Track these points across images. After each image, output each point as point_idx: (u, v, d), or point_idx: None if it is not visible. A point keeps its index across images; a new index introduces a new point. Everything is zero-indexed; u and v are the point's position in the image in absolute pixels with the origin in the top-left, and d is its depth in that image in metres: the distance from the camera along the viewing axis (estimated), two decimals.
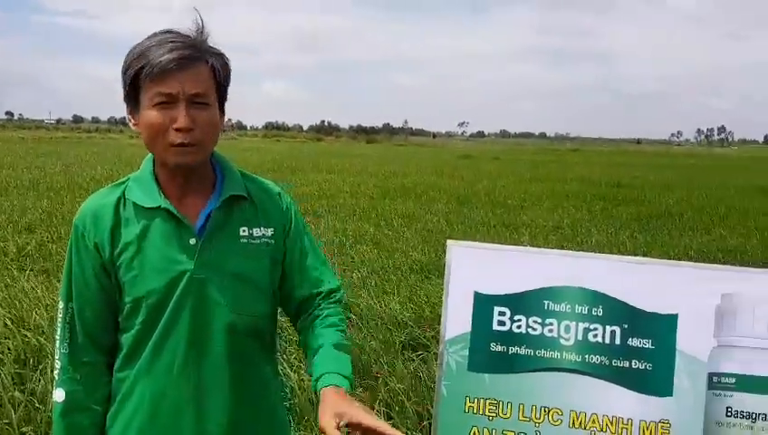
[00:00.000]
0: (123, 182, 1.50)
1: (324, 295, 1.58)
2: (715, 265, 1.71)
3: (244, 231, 1.49)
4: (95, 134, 65.37)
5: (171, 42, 1.36)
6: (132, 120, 1.43)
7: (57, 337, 1.49)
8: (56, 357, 1.49)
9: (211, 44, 1.43)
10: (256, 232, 1.50)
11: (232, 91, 1.50)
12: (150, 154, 1.48)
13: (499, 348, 1.60)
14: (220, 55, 1.44)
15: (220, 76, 1.43)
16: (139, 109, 1.40)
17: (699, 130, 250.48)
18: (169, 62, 1.33)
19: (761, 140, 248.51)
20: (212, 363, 1.45)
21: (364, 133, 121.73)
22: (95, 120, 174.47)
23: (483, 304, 1.63)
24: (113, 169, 16.91)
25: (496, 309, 1.62)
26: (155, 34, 1.40)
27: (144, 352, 1.45)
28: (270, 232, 1.52)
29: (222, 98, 1.46)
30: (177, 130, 1.36)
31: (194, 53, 1.37)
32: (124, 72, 1.39)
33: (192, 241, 1.43)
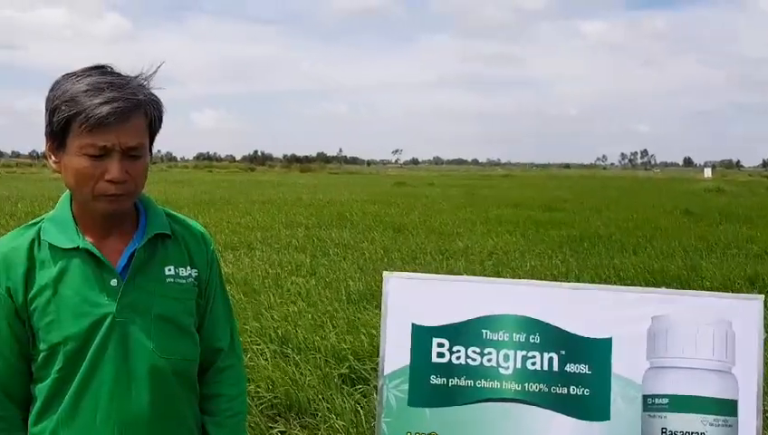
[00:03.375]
0: (36, 223, 1.42)
1: (225, 355, 1.56)
2: (645, 287, 1.76)
3: (169, 270, 1.43)
4: (15, 169, 62.70)
5: (107, 88, 1.28)
6: (53, 158, 1.35)
7: None
8: None
9: (145, 85, 1.36)
10: (182, 271, 1.45)
11: None
12: (68, 192, 1.41)
13: (439, 381, 1.59)
14: (156, 103, 1.37)
15: (155, 125, 1.38)
16: (64, 150, 1.31)
17: (623, 154, 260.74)
18: (108, 115, 1.25)
19: (680, 162, 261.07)
20: (136, 412, 1.37)
21: (298, 163, 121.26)
22: (15, 155, 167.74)
23: (421, 337, 1.61)
24: (35, 206, 16.21)
25: (435, 341, 1.61)
26: (87, 74, 1.31)
27: (62, 403, 1.36)
28: (195, 273, 1.47)
29: (152, 142, 1.41)
30: (109, 181, 1.30)
31: (132, 105, 1.29)
32: (51, 112, 1.30)
33: (114, 282, 1.36)
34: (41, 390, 1.37)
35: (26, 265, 1.35)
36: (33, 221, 1.43)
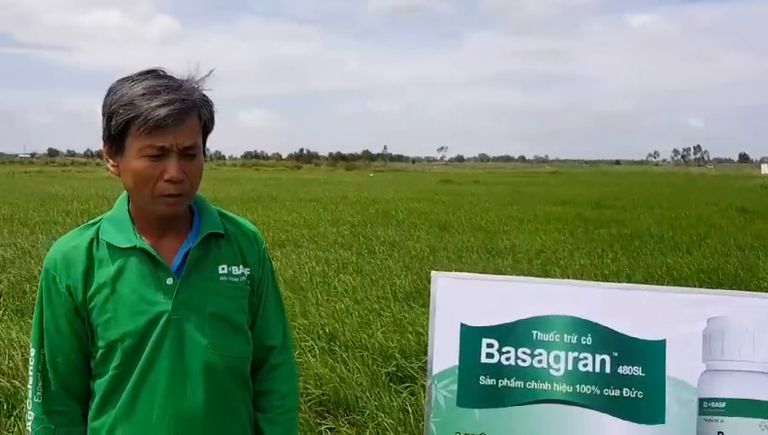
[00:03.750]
0: (95, 223, 1.46)
1: (277, 353, 1.58)
2: (700, 289, 1.71)
3: (223, 269, 1.46)
4: (71, 168, 64.62)
5: (163, 91, 1.32)
6: (111, 162, 1.39)
7: (29, 386, 1.43)
8: (29, 408, 1.44)
9: (198, 87, 1.39)
10: (235, 270, 1.47)
11: None
12: (125, 194, 1.45)
13: (488, 381, 1.58)
14: (209, 104, 1.41)
15: (208, 125, 1.42)
16: (122, 153, 1.35)
17: (675, 149, 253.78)
18: (165, 117, 1.29)
19: (735, 158, 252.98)
20: (191, 408, 1.40)
21: (343, 160, 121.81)
22: (71, 154, 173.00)
23: (470, 337, 1.60)
24: (90, 204, 16.69)
25: (484, 341, 1.60)
26: (142, 78, 1.35)
27: (120, 399, 1.40)
28: (247, 272, 1.50)
29: (205, 142, 1.45)
30: (168, 181, 1.34)
31: (187, 107, 1.33)
32: (109, 116, 1.34)
33: (169, 281, 1.40)
34: (99, 385, 1.42)
35: (86, 264, 1.40)
36: (92, 221, 1.47)
